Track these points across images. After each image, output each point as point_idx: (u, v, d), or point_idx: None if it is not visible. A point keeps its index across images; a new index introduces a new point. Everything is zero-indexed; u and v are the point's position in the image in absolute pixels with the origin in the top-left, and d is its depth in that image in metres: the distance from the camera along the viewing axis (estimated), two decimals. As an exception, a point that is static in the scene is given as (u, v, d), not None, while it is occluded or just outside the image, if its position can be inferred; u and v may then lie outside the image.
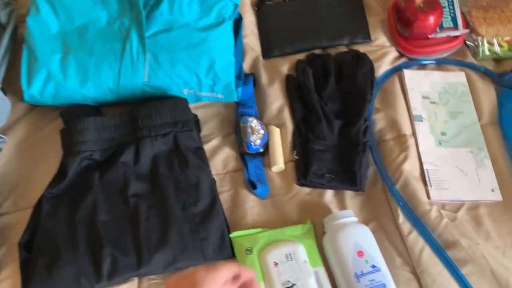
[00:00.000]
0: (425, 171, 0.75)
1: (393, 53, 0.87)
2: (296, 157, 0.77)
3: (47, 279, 0.62)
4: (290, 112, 0.81)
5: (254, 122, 0.78)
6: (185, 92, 0.77)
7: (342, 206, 0.74)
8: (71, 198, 0.69)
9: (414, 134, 0.79)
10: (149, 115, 0.73)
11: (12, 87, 0.78)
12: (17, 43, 0.81)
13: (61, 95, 0.75)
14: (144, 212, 0.68)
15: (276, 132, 0.78)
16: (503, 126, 0.79)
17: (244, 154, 0.77)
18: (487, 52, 0.86)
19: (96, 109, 0.78)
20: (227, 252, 0.68)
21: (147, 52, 0.75)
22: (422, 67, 0.86)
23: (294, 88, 0.83)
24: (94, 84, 0.75)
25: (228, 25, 0.78)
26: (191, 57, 0.75)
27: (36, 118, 0.80)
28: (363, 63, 0.82)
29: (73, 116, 0.74)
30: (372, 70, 0.83)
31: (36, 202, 0.69)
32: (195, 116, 0.79)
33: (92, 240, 0.66)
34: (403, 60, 0.87)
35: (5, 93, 0.76)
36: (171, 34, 0.75)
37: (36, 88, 0.74)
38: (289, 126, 0.80)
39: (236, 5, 0.81)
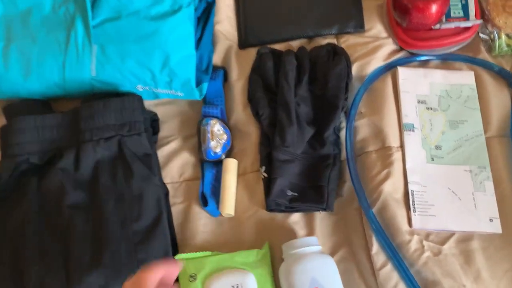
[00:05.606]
0: (410, 193, 0.63)
1: (389, 46, 0.74)
2: (265, 174, 0.66)
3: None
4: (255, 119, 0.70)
5: (216, 126, 0.68)
6: (139, 89, 0.68)
7: (310, 228, 0.64)
8: (4, 206, 0.63)
9: (402, 146, 0.67)
10: (92, 116, 0.64)
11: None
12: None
13: (4, 88, 0.69)
14: (79, 226, 0.61)
15: (230, 166, 0.66)
16: (515, 141, 0.66)
17: (203, 161, 0.68)
18: (505, 47, 0.72)
19: (44, 105, 0.71)
20: (168, 276, 0.60)
21: (94, 43, 0.65)
22: (423, 64, 0.73)
23: (259, 86, 0.71)
24: (38, 77, 0.67)
25: (186, 13, 0.67)
26: (142, 50, 0.65)
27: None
28: (338, 60, 0.69)
29: (16, 112, 0.68)
30: (348, 68, 0.69)
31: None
32: (154, 115, 0.70)
33: (17, 255, 0.59)
34: (400, 55, 0.73)
35: None
36: (119, 23, 0.66)
37: (-24, 78, 0.67)
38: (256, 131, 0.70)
39: (199, -11, 0.70)
